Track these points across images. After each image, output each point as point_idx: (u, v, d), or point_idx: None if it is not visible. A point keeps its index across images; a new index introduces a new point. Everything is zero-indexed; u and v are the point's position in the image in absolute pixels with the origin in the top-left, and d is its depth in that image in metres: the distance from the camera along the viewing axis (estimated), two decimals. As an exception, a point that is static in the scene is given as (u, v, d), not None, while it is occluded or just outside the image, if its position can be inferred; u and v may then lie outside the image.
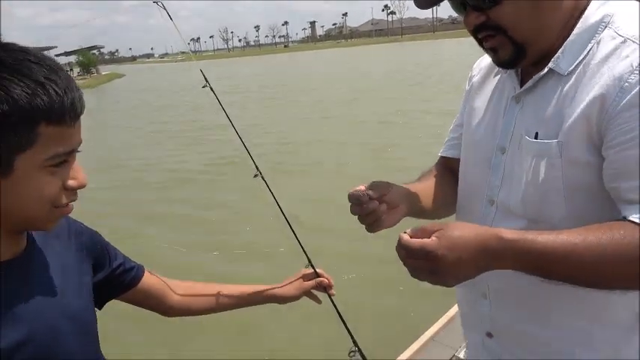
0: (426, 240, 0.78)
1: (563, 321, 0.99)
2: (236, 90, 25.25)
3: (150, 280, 1.17)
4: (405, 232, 0.82)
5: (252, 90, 24.39)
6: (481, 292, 1.10)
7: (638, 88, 0.80)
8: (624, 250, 0.76)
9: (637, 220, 0.78)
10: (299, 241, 1.29)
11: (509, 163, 1.00)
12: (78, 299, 0.92)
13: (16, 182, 0.74)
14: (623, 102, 0.81)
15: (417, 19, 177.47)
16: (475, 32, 0.96)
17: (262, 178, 1.30)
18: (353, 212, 1.01)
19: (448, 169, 1.25)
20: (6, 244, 0.81)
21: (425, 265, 0.79)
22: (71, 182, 0.79)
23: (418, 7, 1.01)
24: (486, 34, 0.94)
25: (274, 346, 3.90)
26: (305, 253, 1.31)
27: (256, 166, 1.31)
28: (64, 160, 0.77)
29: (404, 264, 0.82)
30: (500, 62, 0.98)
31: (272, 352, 3.83)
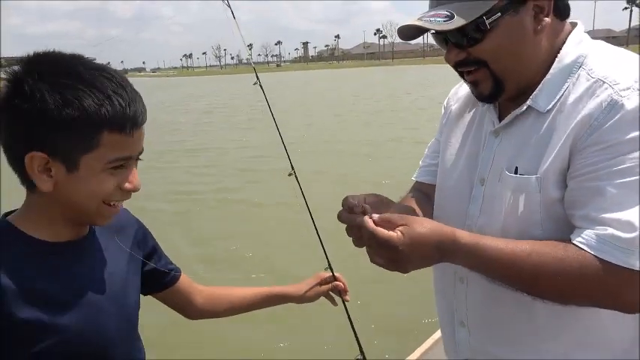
0: (392, 234, 0.86)
1: (539, 346, 1.02)
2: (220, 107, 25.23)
3: (183, 283, 1.24)
4: (370, 217, 0.90)
5: (239, 107, 24.38)
6: (459, 321, 1.14)
7: (603, 128, 0.87)
8: (560, 267, 0.86)
9: (578, 243, 0.87)
10: (322, 244, 1.35)
11: (489, 194, 1.04)
12: (126, 286, 1.01)
13: (78, 178, 0.85)
14: (590, 138, 0.88)
15: (409, 44, 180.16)
16: (456, 66, 1.02)
17: (295, 177, 1.36)
18: (339, 218, 0.99)
19: (424, 194, 1.28)
20: (65, 229, 0.91)
21: (387, 254, 0.88)
22: (127, 185, 0.89)
23: (401, 38, 1.05)
24: (467, 69, 1.00)
25: (278, 349, 3.93)
26: (326, 256, 1.37)
27: (292, 165, 1.36)
28: (122, 164, 0.87)
29: (367, 246, 0.91)
30: (481, 96, 1.03)
31: (275, 355, 3.86)
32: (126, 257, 1.04)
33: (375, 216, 0.90)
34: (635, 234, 0.82)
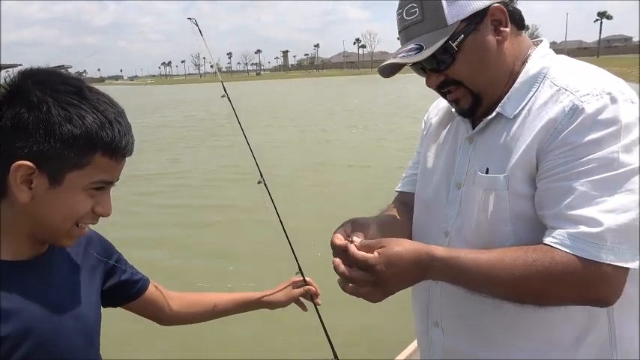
0: (369, 255, 0.93)
1: (510, 345, 1.06)
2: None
3: (152, 291, 1.25)
4: (351, 242, 0.97)
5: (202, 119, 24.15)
6: (434, 321, 1.18)
7: (567, 131, 0.94)
8: (533, 270, 0.90)
9: (549, 242, 0.92)
10: (292, 249, 1.37)
11: (465, 197, 1.10)
12: (87, 302, 1.00)
13: (59, 193, 0.85)
14: (555, 141, 0.95)
15: (387, 53, 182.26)
16: (438, 89, 1.11)
17: (265, 185, 1.39)
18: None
19: (404, 204, 1.33)
20: (25, 247, 0.91)
21: (366, 276, 0.93)
22: (100, 209, 0.91)
23: (382, 76, 1.15)
24: (448, 89, 1.09)
25: (250, 351, 3.94)
26: (297, 260, 1.39)
27: (260, 174, 1.39)
28: (102, 187, 0.89)
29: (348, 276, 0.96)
30: (462, 111, 1.13)
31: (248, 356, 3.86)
32: (86, 273, 1.03)
33: (356, 241, 0.98)
34: (601, 228, 0.88)
